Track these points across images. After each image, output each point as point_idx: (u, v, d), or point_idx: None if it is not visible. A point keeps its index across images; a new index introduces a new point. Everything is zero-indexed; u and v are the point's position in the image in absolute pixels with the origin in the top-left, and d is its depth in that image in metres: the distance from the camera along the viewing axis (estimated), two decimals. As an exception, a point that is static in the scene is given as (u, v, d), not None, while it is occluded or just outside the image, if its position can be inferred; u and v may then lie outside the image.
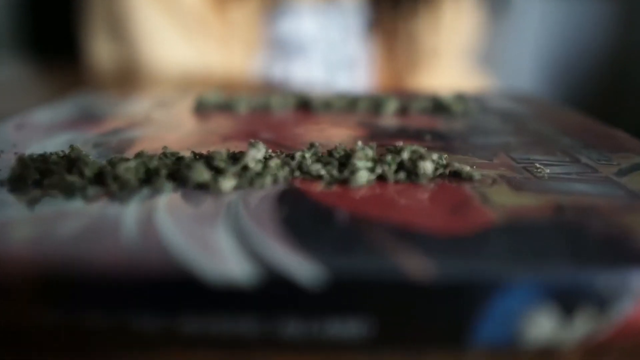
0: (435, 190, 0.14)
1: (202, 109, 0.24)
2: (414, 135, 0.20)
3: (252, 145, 0.15)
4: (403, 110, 0.24)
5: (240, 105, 0.24)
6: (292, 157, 0.15)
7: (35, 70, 0.65)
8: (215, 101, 0.24)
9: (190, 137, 0.20)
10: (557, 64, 1.06)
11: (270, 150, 0.16)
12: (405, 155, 0.15)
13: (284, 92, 0.27)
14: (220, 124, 0.22)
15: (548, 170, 0.15)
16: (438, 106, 0.24)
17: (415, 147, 0.15)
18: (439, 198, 0.13)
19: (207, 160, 0.15)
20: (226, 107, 0.24)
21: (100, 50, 0.55)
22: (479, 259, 0.11)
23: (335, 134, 0.20)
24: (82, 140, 0.20)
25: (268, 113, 0.24)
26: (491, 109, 0.25)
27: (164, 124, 0.22)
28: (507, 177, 0.15)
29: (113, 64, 0.54)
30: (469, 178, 0.15)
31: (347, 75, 0.64)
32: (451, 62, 0.67)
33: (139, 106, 0.26)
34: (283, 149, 0.18)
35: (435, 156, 0.15)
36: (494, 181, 0.15)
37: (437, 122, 0.22)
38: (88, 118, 0.23)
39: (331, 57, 0.63)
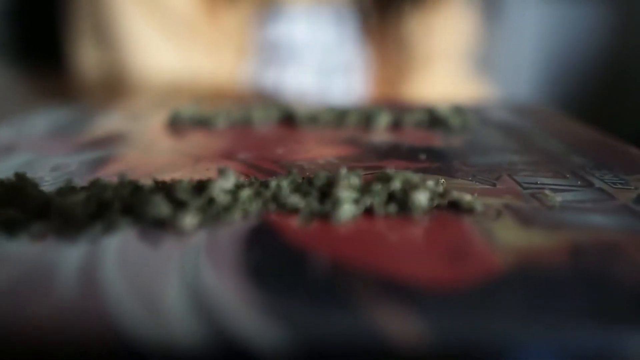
0: (430, 227, 0.12)
1: (177, 124, 0.22)
2: (408, 155, 0.18)
3: (221, 173, 0.13)
4: (396, 124, 0.22)
5: (218, 119, 0.22)
6: (267, 186, 0.13)
7: (20, 76, 0.63)
8: (191, 115, 0.22)
9: (159, 158, 0.18)
10: (554, 67, 1.05)
11: (242, 177, 0.14)
12: (397, 184, 0.13)
13: (268, 105, 0.25)
14: (195, 142, 0.20)
15: (560, 198, 0.14)
16: (434, 119, 0.22)
17: (408, 174, 0.13)
18: (435, 237, 0.11)
19: (169, 190, 0.13)
20: (203, 122, 0.22)
21: (86, 57, 0.53)
22: (484, 319, 0.09)
23: (321, 153, 0.18)
24: (42, 162, 0.18)
25: (249, 128, 0.22)
26: (491, 121, 0.23)
27: (134, 141, 0.20)
28: (513, 208, 0.13)
29: (99, 71, 0.52)
30: (470, 209, 0.13)
31: (341, 80, 0.62)
32: (446, 66, 0.65)
33: (112, 120, 0.24)
34: (260, 172, 0.16)
35: (430, 184, 0.13)
36: (499, 213, 0.13)
37: (433, 137, 0.20)
38: (54, 135, 0.21)
39: (324, 62, 0.62)
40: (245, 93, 0.56)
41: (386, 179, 0.13)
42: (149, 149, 0.19)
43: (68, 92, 0.54)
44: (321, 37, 0.60)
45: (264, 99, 0.55)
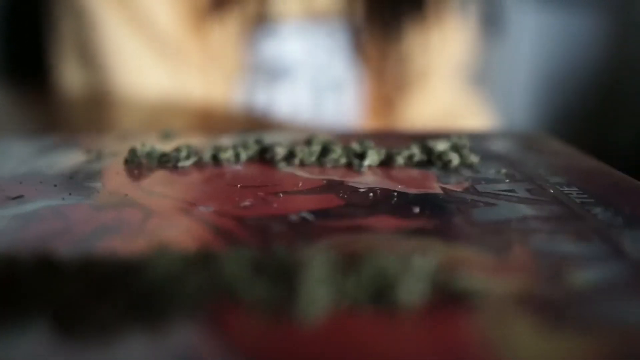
0: (419, 333, 0.09)
1: (136, 164, 0.19)
2: (399, 207, 0.15)
3: (159, 252, 0.10)
4: (387, 161, 0.19)
5: (181, 157, 0.19)
6: (217, 266, 0.10)
7: (4, 95, 0.60)
8: (149, 154, 0.19)
9: (102, 214, 0.15)
10: (552, 81, 1.03)
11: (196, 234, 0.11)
12: (378, 280, 0.10)
13: (244, 139, 0.22)
14: (151, 187, 0.17)
15: (589, 276, 0.11)
16: (429, 156, 0.19)
17: (392, 265, 0.10)
18: (424, 351, 0.08)
19: (90, 273, 0.10)
20: (166, 161, 0.19)
21: (71, 75, 0.51)
22: None
23: (295, 205, 0.15)
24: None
25: (218, 168, 0.19)
26: (495, 158, 0.20)
27: (81, 189, 0.17)
28: (530, 297, 0.10)
29: (84, 90, 0.50)
30: (472, 301, 0.10)
31: (335, 98, 0.60)
32: (443, 82, 0.63)
33: (69, 158, 0.21)
34: (219, 235, 0.13)
35: (420, 265, 0.10)
36: (510, 307, 0.10)
37: (429, 179, 0.17)
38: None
39: (318, 80, 0.59)
40: (236, 115, 0.53)
41: (363, 263, 0.10)
42: (96, 200, 0.16)
43: (53, 112, 0.51)
44: (314, 55, 0.58)
45: (255, 121, 0.53)
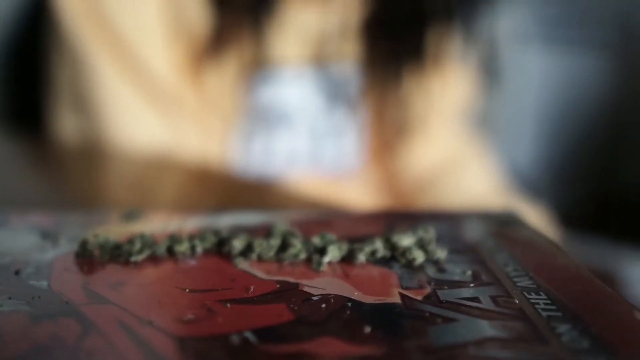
0: None
1: (86, 258, 0.19)
2: (349, 325, 0.14)
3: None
4: (349, 257, 0.18)
5: (134, 251, 0.18)
6: None
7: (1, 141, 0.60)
8: (102, 246, 0.18)
9: (12, 344, 0.14)
10: (557, 123, 1.03)
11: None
12: None
13: (211, 221, 0.21)
14: (98, 286, 0.16)
15: None
16: (393, 252, 0.18)
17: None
18: None
19: None
20: (117, 255, 0.18)
21: (65, 124, 0.51)
22: None
23: (238, 322, 0.14)
24: None
25: (173, 263, 0.18)
26: (463, 250, 0.19)
27: (22, 289, 0.16)
28: None
29: (79, 138, 0.49)
30: None
31: (334, 144, 0.59)
32: (443, 127, 0.63)
33: (22, 240, 0.20)
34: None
35: None
36: None
37: (388, 285, 0.16)
38: None
39: (317, 126, 0.59)
40: (232, 166, 0.52)
41: None
42: (36, 308, 0.15)
43: (48, 159, 0.50)
44: (313, 100, 0.58)
45: (251, 173, 0.52)
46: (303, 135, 0.65)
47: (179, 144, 0.52)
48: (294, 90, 0.61)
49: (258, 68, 0.58)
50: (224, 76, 0.54)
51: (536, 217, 0.58)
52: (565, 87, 1.01)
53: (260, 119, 0.62)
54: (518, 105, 0.99)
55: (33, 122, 0.61)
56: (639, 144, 0.98)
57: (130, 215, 0.23)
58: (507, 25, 0.65)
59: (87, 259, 0.18)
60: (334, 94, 0.63)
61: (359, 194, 0.78)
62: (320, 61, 0.60)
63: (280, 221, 0.21)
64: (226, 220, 0.22)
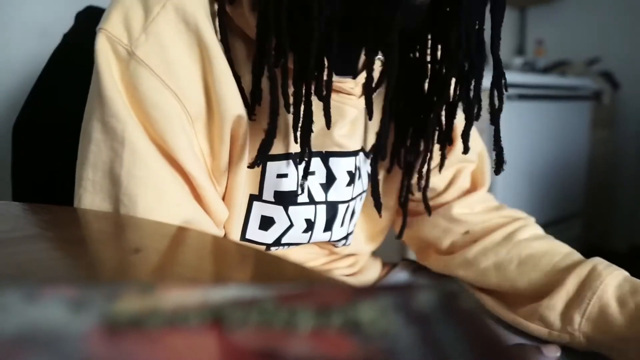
0: None
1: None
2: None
3: None
4: (320, 326, 0.21)
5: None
6: None
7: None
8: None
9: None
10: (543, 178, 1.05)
11: None
12: None
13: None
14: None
15: None
16: (355, 324, 0.21)
17: None
18: None
19: None
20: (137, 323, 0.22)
21: (93, 200, 0.55)
22: None
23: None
24: None
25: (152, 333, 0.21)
26: (413, 329, 0.23)
27: None
28: None
29: (102, 213, 0.55)
30: None
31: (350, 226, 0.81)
32: None
33: (41, 312, 0.23)
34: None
35: None
36: None
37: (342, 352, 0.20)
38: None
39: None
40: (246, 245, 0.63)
41: None
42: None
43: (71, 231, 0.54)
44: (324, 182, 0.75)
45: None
46: (321, 214, 0.71)
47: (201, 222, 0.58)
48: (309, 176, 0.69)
49: (283, 158, 0.66)
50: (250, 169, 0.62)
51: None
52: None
53: (279, 201, 0.68)
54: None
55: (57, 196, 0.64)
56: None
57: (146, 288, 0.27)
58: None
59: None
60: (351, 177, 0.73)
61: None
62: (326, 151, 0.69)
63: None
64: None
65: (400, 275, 0.92)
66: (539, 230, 0.81)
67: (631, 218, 2.96)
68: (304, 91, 0.54)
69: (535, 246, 0.75)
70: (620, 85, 2.90)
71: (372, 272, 0.89)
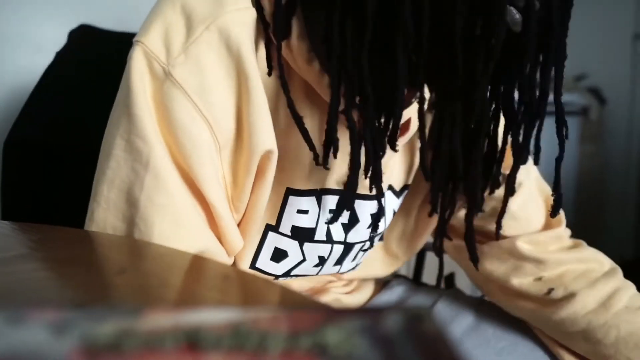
0: None
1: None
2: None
3: None
4: (289, 349, 0.23)
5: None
6: None
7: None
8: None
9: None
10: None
11: None
12: None
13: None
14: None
15: None
16: (322, 347, 0.23)
17: None
18: None
19: None
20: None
21: (107, 221, 0.53)
22: None
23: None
24: None
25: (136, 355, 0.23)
26: (378, 352, 0.24)
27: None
28: None
29: (116, 237, 0.53)
30: None
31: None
32: None
33: (25, 335, 0.24)
34: None
35: None
36: None
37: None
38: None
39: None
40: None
41: None
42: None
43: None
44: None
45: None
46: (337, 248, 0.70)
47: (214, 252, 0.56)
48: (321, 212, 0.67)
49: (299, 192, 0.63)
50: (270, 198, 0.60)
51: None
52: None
53: (295, 236, 0.66)
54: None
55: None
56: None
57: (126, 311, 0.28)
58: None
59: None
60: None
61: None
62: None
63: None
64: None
65: (393, 293, 0.91)
66: (634, 291, 0.72)
67: (620, 232, 2.99)
68: (378, 137, 0.52)
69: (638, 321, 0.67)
70: (607, 101, 2.95)
71: (366, 290, 0.86)
